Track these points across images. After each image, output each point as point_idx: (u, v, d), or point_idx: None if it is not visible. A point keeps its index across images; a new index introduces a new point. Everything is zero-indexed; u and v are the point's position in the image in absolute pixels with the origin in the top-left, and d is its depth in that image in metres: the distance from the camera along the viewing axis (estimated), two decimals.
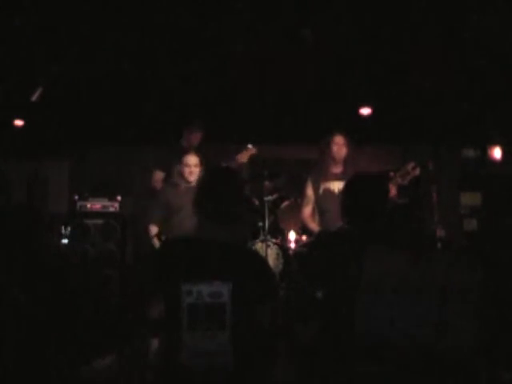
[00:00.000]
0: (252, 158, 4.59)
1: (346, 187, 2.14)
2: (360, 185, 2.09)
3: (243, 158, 4.50)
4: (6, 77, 4.56)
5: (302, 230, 5.26)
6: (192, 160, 3.95)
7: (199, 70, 4.69)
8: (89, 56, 4.32)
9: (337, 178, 3.92)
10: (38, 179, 6.42)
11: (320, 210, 4.04)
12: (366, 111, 5.42)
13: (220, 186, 1.91)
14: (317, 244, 2.13)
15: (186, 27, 3.90)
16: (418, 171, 3.54)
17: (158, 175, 4.59)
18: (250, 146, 4.53)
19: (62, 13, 3.65)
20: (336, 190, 3.91)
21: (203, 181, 2.01)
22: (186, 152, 4.03)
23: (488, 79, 4.67)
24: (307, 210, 4.09)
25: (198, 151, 4.55)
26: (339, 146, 3.95)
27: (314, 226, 4.03)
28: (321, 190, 3.99)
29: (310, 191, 4.07)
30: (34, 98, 4.63)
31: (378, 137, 6.02)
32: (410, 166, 3.54)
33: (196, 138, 4.65)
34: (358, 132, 4.07)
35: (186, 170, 3.94)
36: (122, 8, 3.63)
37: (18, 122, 5.54)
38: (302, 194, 4.24)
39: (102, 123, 5.72)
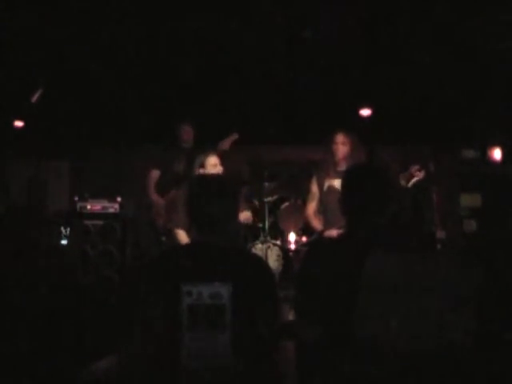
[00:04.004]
0: (234, 145, 4.49)
1: (344, 180, 2.07)
2: (360, 175, 2.02)
3: (225, 145, 4.44)
4: (6, 77, 4.57)
5: (303, 230, 5.26)
6: (213, 160, 3.83)
7: (199, 71, 4.69)
8: (88, 57, 4.33)
9: (341, 175, 3.91)
10: (38, 180, 6.42)
11: (323, 207, 4.04)
12: (365, 112, 5.42)
13: (213, 192, 1.92)
14: (311, 258, 2.06)
15: (185, 27, 3.91)
16: (422, 174, 3.57)
17: (155, 174, 4.60)
18: (233, 134, 4.43)
19: (61, 13, 3.66)
20: (340, 188, 3.91)
21: (195, 188, 2.01)
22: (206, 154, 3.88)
23: (488, 80, 4.68)
24: (311, 207, 4.09)
25: (194, 151, 4.55)
26: (338, 144, 3.95)
27: (317, 224, 4.03)
28: (325, 187, 4.00)
29: (314, 188, 4.07)
30: (34, 99, 4.63)
31: (378, 138, 6.01)
32: (414, 169, 3.56)
33: (187, 134, 4.63)
34: (357, 133, 4.07)
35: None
36: (121, 9, 3.63)
37: (18, 123, 5.54)
38: (306, 191, 4.25)
39: (102, 124, 5.72)
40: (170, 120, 5.14)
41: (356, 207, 1.95)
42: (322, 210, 4.06)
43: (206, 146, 4.37)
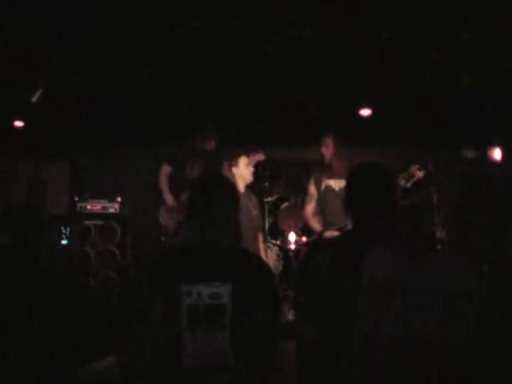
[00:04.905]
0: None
1: (349, 178, 2.06)
2: (363, 175, 2.01)
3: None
4: (6, 77, 4.56)
5: (303, 230, 5.27)
6: (246, 160, 3.95)
7: (200, 71, 4.69)
8: (89, 56, 4.32)
9: (338, 176, 3.95)
10: (37, 180, 6.42)
11: (321, 207, 4.06)
12: (365, 112, 5.42)
13: (214, 192, 1.91)
14: (311, 258, 2.08)
15: (190, 28, 3.91)
16: (422, 174, 3.59)
17: (166, 169, 4.61)
18: (260, 151, 4.49)
19: (61, 13, 3.65)
20: (337, 188, 3.95)
21: (196, 188, 2.00)
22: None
23: (488, 80, 4.68)
24: (310, 208, 4.12)
25: (214, 154, 4.57)
26: (323, 147, 4.03)
27: (316, 225, 4.04)
28: (323, 187, 4.02)
29: (312, 188, 4.10)
30: (35, 98, 4.63)
31: (378, 138, 6.02)
32: (414, 168, 3.58)
33: (210, 145, 4.67)
34: (357, 133, 4.08)
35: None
36: (124, 5, 3.63)
37: (18, 123, 5.54)
38: (304, 192, 4.28)
39: (101, 124, 5.71)
40: (172, 121, 5.15)
41: (358, 207, 1.95)
42: (321, 210, 4.08)
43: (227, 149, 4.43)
